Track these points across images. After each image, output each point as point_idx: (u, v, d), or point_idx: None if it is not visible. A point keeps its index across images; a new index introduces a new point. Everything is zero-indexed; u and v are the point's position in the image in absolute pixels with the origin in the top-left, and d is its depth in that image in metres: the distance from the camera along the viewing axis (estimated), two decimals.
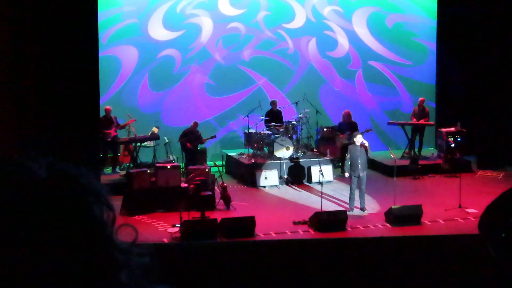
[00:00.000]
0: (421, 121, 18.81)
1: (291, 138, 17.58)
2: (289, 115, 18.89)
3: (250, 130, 18.00)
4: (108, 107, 17.47)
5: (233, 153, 18.52)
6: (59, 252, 1.05)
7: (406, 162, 17.71)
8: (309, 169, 17.15)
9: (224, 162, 18.43)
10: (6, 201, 1.05)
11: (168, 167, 15.06)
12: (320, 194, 14.29)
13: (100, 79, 16.29)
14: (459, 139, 17.83)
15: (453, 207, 14.09)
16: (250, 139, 17.88)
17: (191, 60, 19.45)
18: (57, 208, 1.07)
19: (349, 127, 17.90)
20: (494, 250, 1.56)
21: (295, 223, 13.25)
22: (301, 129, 18.50)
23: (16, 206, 1.05)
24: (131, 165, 17.33)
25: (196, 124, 17.64)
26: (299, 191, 16.48)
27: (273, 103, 18.63)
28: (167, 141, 17.83)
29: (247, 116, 18.12)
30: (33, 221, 1.05)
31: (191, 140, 17.31)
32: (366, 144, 14.18)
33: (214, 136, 18.09)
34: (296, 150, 17.66)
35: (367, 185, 14.51)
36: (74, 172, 1.13)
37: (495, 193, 1.71)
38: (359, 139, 14.22)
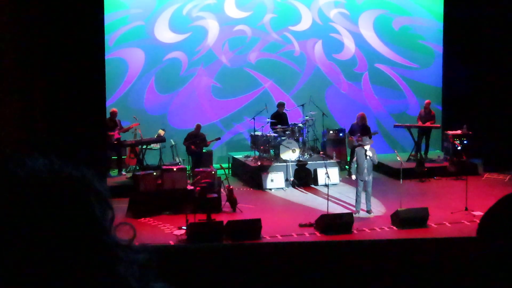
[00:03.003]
0: (427, 124, 18.76)
1: (297, 140, 17.57)
2: (296, 117, 18.87)
3: (256, 133, 18.00)
4: (114, 109, 17.51)
5: (239, 156, 18.52)
6: (60, 247, 1.07)
7: (412, 164, 17.67)
8: (315, 171, 17.13)
9: (230, 165, 18.42)
10: (8, 199, 1.07)
11: (174, 169, 15.07)
12: (326, 197, 14.27)
13: (106, 81, 16.36)
14: (465, 142, 17.79)
15: (460, 209, 14.05)
16: (256, 142, 17.87)
17: (197, 62, 19.47)
18: (57, 205, 1.09)
19: (360, 129, 17.72)
20: (494, 255, 1.55)
21: (301, 225, 13.23)
22: (307, 131, 18.48)
23: (17, 203, 1.07)
24: (137, 168, 17.35)
25: (199, 126, 17.62)
26: (305, 193, 16.46)
27: (281, 105, 18.59)
28: (173, 143, 17.84)
29: (253, 118, 18.12)
30: (34, 217, 1.07)
31: (195, 143, 17.31)
32: (370, 154, 14.06)
33: (219, 138, 18.06)
34: (302, 152, 17.64)
35: (374, 187, 14.49)
36: (74, 170, 1.15)
37: (501, 196, 1.70)
38: (367, 147, 14.11)
